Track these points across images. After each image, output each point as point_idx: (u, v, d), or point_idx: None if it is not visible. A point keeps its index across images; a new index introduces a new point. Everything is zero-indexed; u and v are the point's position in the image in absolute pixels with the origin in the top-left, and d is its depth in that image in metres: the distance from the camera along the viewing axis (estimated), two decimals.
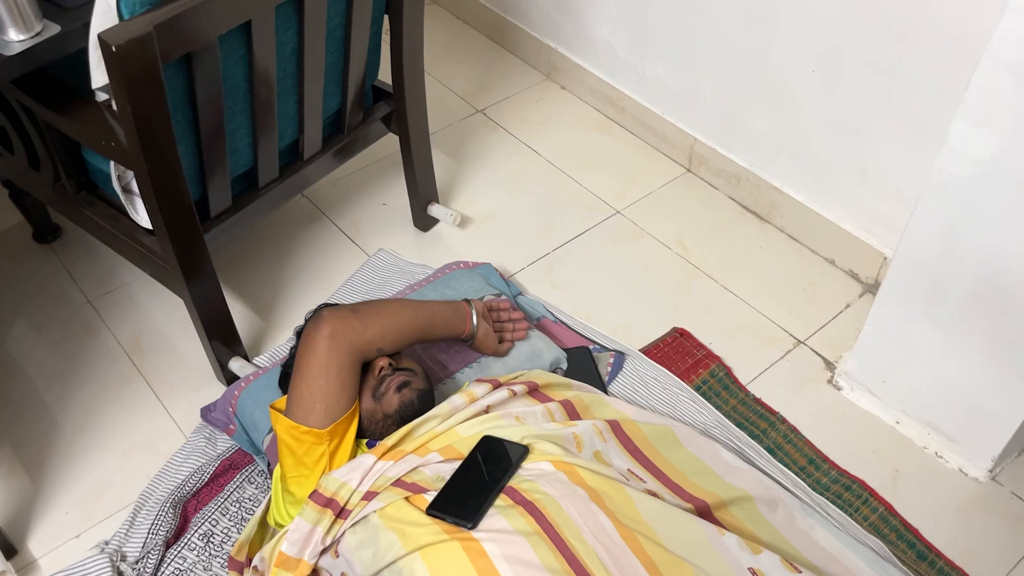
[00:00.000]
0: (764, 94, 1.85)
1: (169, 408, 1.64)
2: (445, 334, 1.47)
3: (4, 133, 1.57)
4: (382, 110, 1.78)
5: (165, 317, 1.79)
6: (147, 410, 1.64)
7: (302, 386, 1.27)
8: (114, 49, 1.10)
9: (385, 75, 1.75)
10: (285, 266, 1.90)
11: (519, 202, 2.05)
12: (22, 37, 1.20)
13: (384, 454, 1.25)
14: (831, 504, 1.46)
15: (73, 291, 1.84)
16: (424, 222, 1.97)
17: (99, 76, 1.23)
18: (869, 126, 1.69)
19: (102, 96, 1.32)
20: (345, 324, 1.29)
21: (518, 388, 1.38)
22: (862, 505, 1.48)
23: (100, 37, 1.10)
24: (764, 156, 1.93)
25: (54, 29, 1.23)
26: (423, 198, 1.93)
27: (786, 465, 1.53)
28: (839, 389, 1.66)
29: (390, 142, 1.88)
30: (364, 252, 1.93)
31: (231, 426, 1.54)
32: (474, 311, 1.49)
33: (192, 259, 1.46)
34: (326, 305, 1.47)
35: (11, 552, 1.42)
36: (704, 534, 1.18)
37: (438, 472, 1.23)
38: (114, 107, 1.34)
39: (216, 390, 1.66)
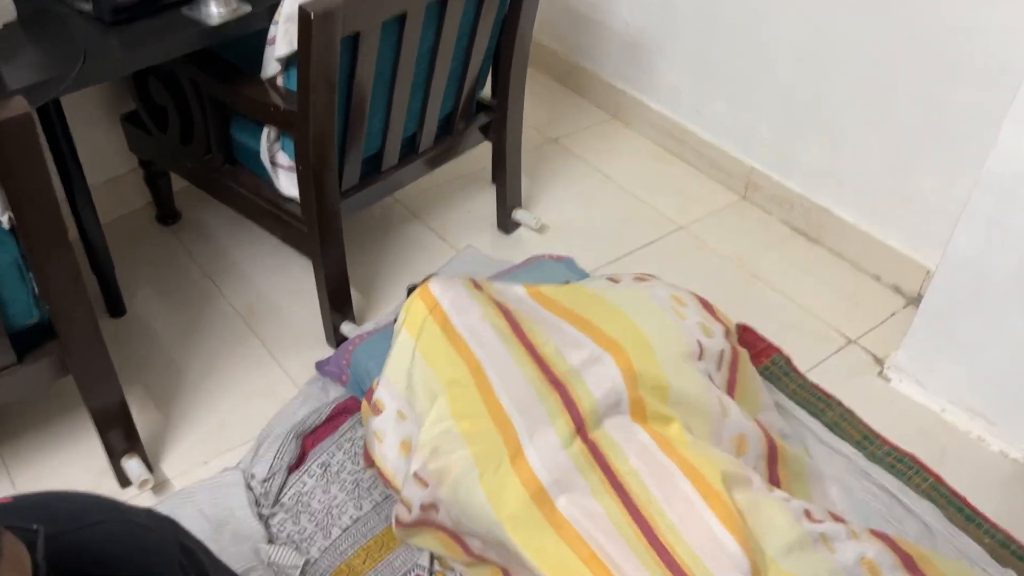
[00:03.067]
0: (816, 125, 2.08)
1: (283, 364, 1.82)
2: None
3: (160, 113, 1.80)
4: (482, 119, 2.01)
5: (277, 290, 1.98)
6: (263, 365, 1.82)
7: None
8: (312, 16, 1.33)
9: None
10: (382, 256, 2.10)
11: (591, 215, 2.26)
12: (222, 10, 1.43)
13: None
14: (887, 472, 1.62)
15: (191, 266, 2.04)
16: (507, 225, 2.18)
17: (284, 46, 1.46)
18: (913, 153, 1.91)
19: (273, 70, 1.55)
20: None
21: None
22: (914, 475, 1.63)
23: (301, 7, 1.33)
24: (815, 181, 2.15)
25: (246, 9, 1.46)
26: (509, 204, 2.15)
27: (844, 439, 1.69)
28: (888, 381, 1.83)
29: (475, 160, 2.10)
30: (453, 247, 2.14)
31: (344, 376, 1.71)
32: None
33: (330, 224, 1.66)
34: (430, 276, 1.66)
35: (148, 470, 1.57)
36: None
37: None
38: (278, 83, 1.57)
39: (325, 351, 1.83)
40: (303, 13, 1.34)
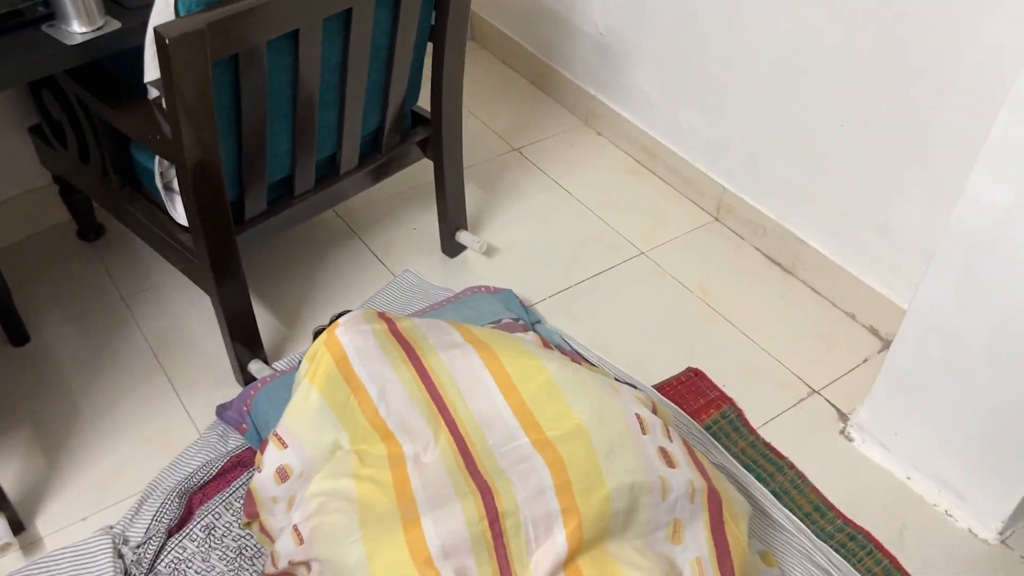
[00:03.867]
0: (793, 145, 1.88)
1: (186, 403, 1.68)
2: None
3: (60, 128, 1.66)
4: (419, 135, 1.84)
5: (193, 318, 1.84)
6: (165, 404, 1.68)
7: None
8: (167, 41, 1.17)
9: (424, 102, 1.81)
10: (313, 278, 1.95)
11: (546, 235, 2.08)
12: (84, 29, 1.28)
13: None
14: (834, 552, 1.44)
15: (109, 288, 1.91)
16: (451, 248, 2.01)
17: (152, 70, 1.30)
18: (894, 181, 1.71)
19: (153, 93, 1.40)
20: None
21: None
22: (866, 556, 1.45)
23: (156, 30, 1.17)
24: (790, 206, 1.95)
25: (115, 25, 1.31)
26: (452, 225, 1.98)
27: (791, 510, 1.51)
28: (851, 440, 1.64)
29: (427, 171, 1.93)
30: (391, 272, 1.98)
31: (244, 424, 1.57)
32: None
33: (223, 257, 1.51)
34: (345, 312, 1.52)
35: (19, 528, 1.45)
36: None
37: None
38: (163, 104, 1.42)
39: (234, 390, 1.69)
40: (158, 37, 1.17)
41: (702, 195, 2.15)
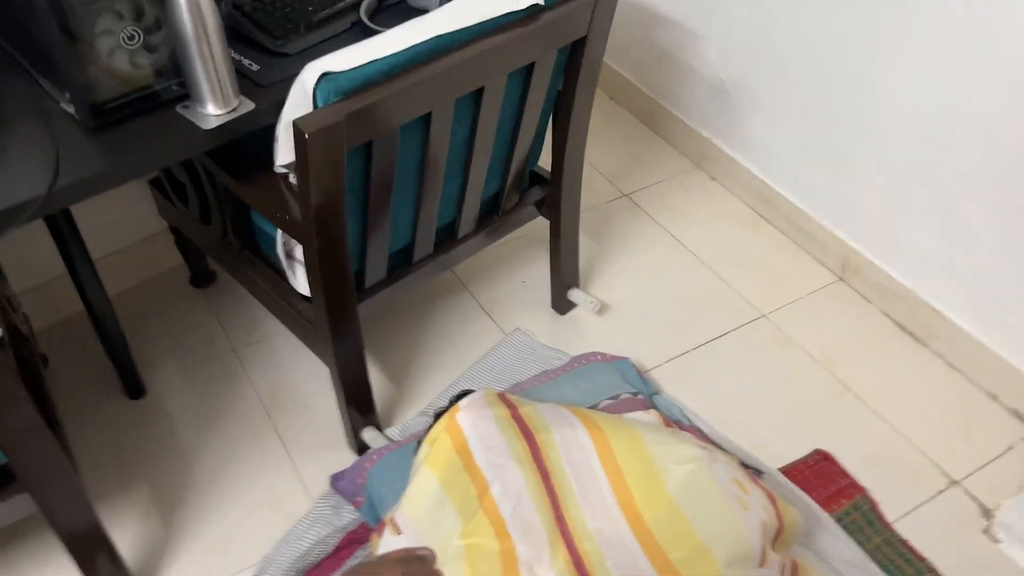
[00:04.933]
0: (931, 216, 1.76)
1: (298, 466, 1.67)
2: None
3: (181, 187, 1.65)
4: (536, 194, 1.78)
5: (303, 375, 1.82)
6: (277, 467, 1.67)
7: None
8: (307, 136, 1.13)
9: (543, 160, 1.76)
10: (422, 335, 1.91)
11: (659, 293, 2.01)
12: (219, 112, 1.25)
13: None
14: None
15: (220, 338, 1.91)
16: (562, 305, 1.95)
17: (284, 155, 1.27)
18: None
19: (282, 169, 1.37)
20: None
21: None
22: None
23: (295, 124, 1.14)
24: (926, 275, 1.83)
25: (249, 106, 1.28)
26: (565, 283, 1.92)
27: None
28: (996, 541, 1.53)
29: (536, 220, 1.88)
30: (500, 328, 1.93)
31: (359, 498, 1.54)
32: None
33: (343, 328, 1.48)
34: (467, 392, 1.48)
35: None
36: None
37: None
38: (291, 180, 1.39)
39: (345, 455, 1.67)
40: (296, 130, 1.14)
41: (825, 252, 2.05)
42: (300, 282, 1.51)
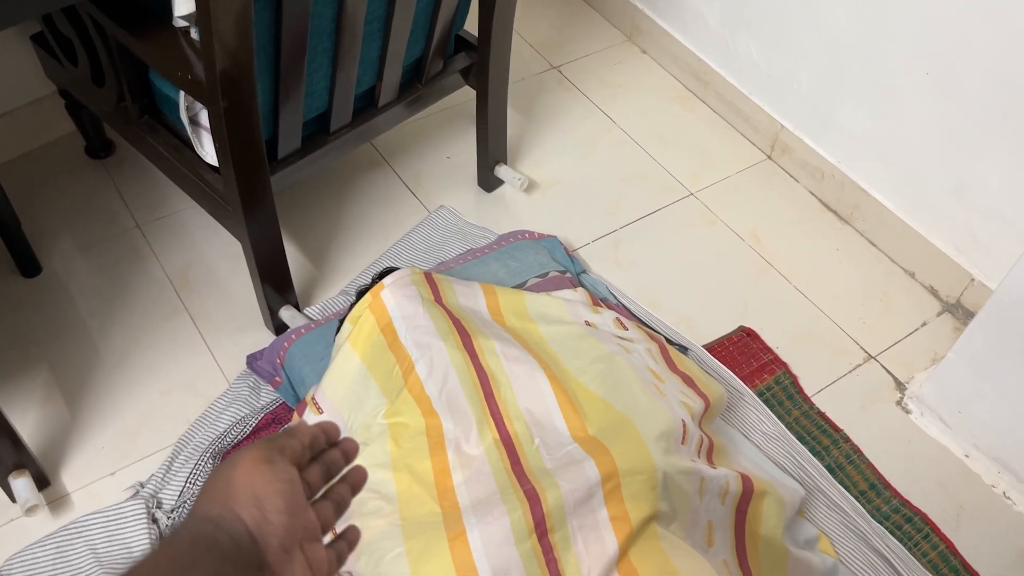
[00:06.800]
0: (866, 89, 1.73)
1: (212, 348, 1.59)
2: None
3: (69, 43, 1.49)
4: (462, 62, 1.68)
5: (215, 252, 1.72)
6: (190, 347, 1.59)
7: None
8: None
9: (471, 25, 1.65)
10: (342, 213, 1.82)
11: (589, 171, 1.95)
12: None
13: None
14: (890, 535, 1.40)
15: (123, 213, 1.78)
16: (489, 182, 1.88)
17: (183, 4, 1.14)
18: (978, 139, 1.58)
19: (181, 23, 1.23)
20: None
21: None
22: (922, 540, 1.42)
23: None
24: (854, 154, 1.82)
25: None
26: (492, 158, 1.84)
27: (846, 487, 1.46)
28: (908, 412, 1.58)
29: (460, 91, 1.78)
30: (424, 206, 1.85)
31: (277, 378, 1.48)
32: None
33: (255, 201, 1.39)
34: (391, 269, 1.41)
35: (44, 483, 1.38)
36: None
37: None
38: (193, 36, 1.26)
39: (263, 335, 1.60)
40: None
41: (756, 131, 2.01)
42: (207, 151, 1.40)
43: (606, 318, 1.46)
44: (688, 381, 1.36)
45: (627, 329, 1.42)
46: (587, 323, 1.42)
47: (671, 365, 1.40)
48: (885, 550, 1.38)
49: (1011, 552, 1.43)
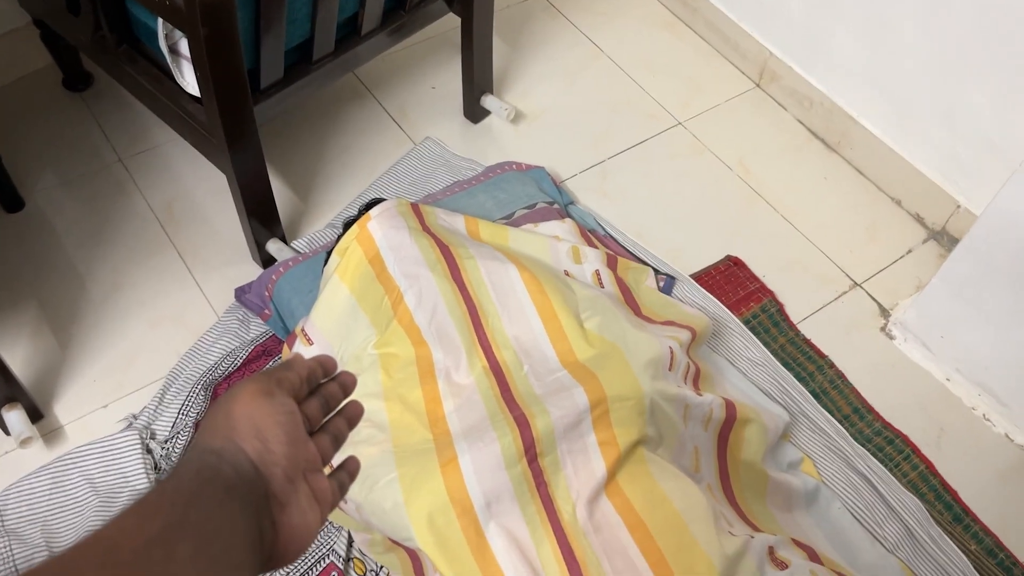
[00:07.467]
0: (856, 15, 1.71)
1: (200, 281, 1.59)
2: None
3: None
4: None
5: (200, 185, 1.71)
6: (177, 281, 1.59)
7: None
8: None
9: None
10: (327, 145, 1.80)
11: (575, 101, 1.93)
12: None
13: None
14: (872, 457, 1.43)
15: (104, 146, 1.76)
16: (475, 113, 1.86)
17: None
18: (967, 66, 1.57)
19: None
20: None
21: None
22: (903, 461, 1.45)
23: None
24: (844, 82, 1.81)
25: None
26: (478, 88, 1.82)
27: (830, 412, 1.49)
28: (891, 338, 1.61)
29: (445, 20, 1.74)
30: (409, 138, 1.83)
31: (266, 311, 1.49)
32: None
33: (239, 132, 1.37)
34: (377, 201, 1.41)
35: (37, 416, 1.39)
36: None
37: None
38: None
39: (250, 269, 1.60)
40: None
41: (745, 58, 1.99)
42: (188, 81, 1.38)
43: (585, 270, 1.45)
44: (669, 324, 1.38)
45: (603, 287, 1.42)
46: (566, 272, 1.42)
47: (648, 321, 1.41)
48: (867, 471, 1.41)
49: (990, 472, 1.47)
